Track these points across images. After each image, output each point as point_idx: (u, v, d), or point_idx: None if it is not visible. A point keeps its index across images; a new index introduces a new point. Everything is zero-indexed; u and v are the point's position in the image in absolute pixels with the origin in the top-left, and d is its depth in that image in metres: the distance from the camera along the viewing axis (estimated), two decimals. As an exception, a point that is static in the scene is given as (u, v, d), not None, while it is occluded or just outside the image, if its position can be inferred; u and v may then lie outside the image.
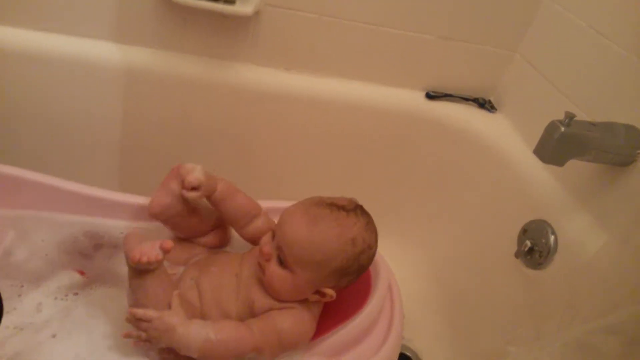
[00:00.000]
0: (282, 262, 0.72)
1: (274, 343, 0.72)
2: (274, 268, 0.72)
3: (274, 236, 0.74)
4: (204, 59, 1.02)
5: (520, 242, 0.95)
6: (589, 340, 0.49)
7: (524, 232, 0.95)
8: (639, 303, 0.52)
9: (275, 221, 0.83)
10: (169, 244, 0.68)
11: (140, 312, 0.67)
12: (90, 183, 0.92)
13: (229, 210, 0.79)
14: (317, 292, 0.74)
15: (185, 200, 0.78)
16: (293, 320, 0.74)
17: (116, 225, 0.93)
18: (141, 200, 0.93)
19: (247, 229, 0.81)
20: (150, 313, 0.67)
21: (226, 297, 0.76)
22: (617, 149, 0.81)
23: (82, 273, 0.83)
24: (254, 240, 0.82)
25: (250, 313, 0.75)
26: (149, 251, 0.68)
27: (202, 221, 0.83)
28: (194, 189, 0.76)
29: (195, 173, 0.75)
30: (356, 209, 0.75)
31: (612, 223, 0.81)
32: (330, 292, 0.75)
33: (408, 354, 1.04)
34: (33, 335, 0.71)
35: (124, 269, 0.86)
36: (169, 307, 0.70)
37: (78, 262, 0.85)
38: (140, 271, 0.70)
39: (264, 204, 0.94)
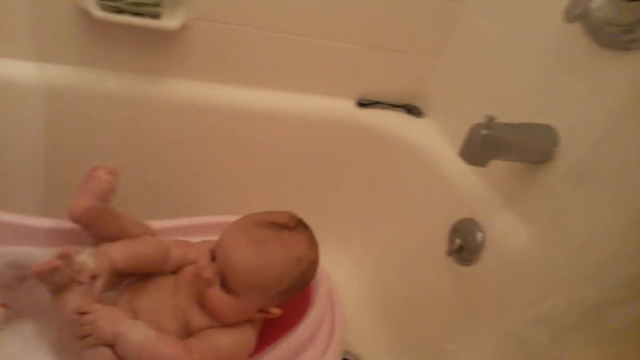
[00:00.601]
0: (225, 287, 0.71)
1: None
2: (217, 294, 0.71)
3: (212, 258, 0.73)
4: (132, 75, 1.00)
5: (451, 240, 0.98)
6: (520, 332, 0.52)
7: (454, 230, 0.99)
8: (563, 295, 0.55)
9: (189, 239, 0.83)
10: (66, 251, 0.68)
11: (84, 305, 0.66)
12: (15, 210, 0.88)
13: (141, 268, 0.77)
14: (261, 310, 0.75)
15: (104, 201, 0.76)
16: (232, 338, 0.73)
17: (43, 253, 0.88)
18: (68, 225, 0.89)
19: (166, 267, 0.80)
20: (94, 306, 0.67)
21: (163, 317, 0.75)
22: (535, 147, 0.86)
23: (5, 306, 0.79)
24: (179, 269, 0.81)
25: (188, 333, 0.74)
26: (47, 262, 0.67)
27: (124, 230, 0.80)
28: (94, 277, 0.71)
29: (86, 262, 0.71)
30: (297, 226, 0.76)
31: (534, 219, 0.86)
32: (275, 310, 0.75)
33: (350, 358, 1.05)
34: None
35: (50, 301, 0.83)
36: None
37: (1, 294, 0.80)
38: (58, 290, 0.68)
39: (200, 220, 0.94)
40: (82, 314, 0.67)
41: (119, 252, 0.75)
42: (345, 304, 0.92)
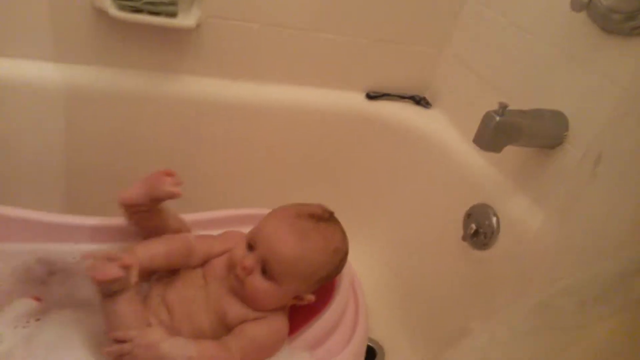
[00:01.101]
0: (266, 275, 0.73)
1: (253, 356, 0.74)
2: (258, 281, 0.73)
3: (250, 247, 0.75)
4: (148, 73, 1.01)
5: (466, 226, 1.01)
6: (547, 302, 0.54)
7: (468, 216, 1.01)
8: (585, 269, 0.57)
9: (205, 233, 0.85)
10: (128, 260, 0.69)
11: (120, 333, 0.67)
12: (37, 208, 0.90)
13: (166, 265, 0.79)
14: (296, 297, 0.78)
15: (155, 203, 0.79)
16: (269, 330, 0.76)
17: (69, 250, 0.90)
18: (92, 221, 0.91)
19: (192, 263, 0.81)
20: (130, 333, 0.67)
21: (196, 310, 0.77)
22: (546, 133, 0.89)
23: (38, 299, 0.81)
24: (205, 262, 0.83)
25: (223, 324, 0.76)
26: (109, 270, 0.67)
27: (165, 224, 0.83)
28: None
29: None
30: (331, 218, 0.80)
31: (547, 201, 0.89)
32: (309, 297, 0.79)
33: (370, 344, 1.08)
34: (-1, 367, 0.69)
35: (81, 292, 0.85)
36: (148, 325, 0.70)
37: (33, 289, 0.82)
38: (109, 294, 0.69)
39: (227, 213, 0.96)
40: (120, 341, 0.68)
41: (144, 252, 0.76)
42: (365, 292, 0.94)
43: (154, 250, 0.77)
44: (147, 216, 0.80)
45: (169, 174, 0.79)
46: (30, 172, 1.01)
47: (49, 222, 0.88)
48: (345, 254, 0.80)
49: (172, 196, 0.78)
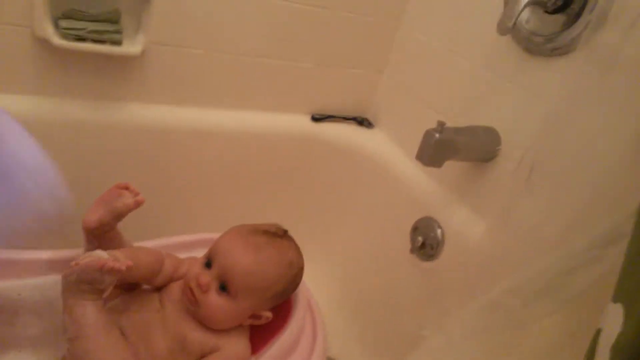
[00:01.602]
0: (222, 291, 0.74)
1: None
2: (214, 298, 0.74)
3: (207, 266, 0.76)
4: (93, 101, 1.00)
5: (413, 239, 1.06)
6: (494, 301, 0.59)
7: (415, 229, 1.06)
8: (527, 267, 0.62)
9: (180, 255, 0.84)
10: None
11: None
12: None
13: (139, 273, 0.77)
14: (253, 315, 0.78)
15: (117, 219, 0.78)
16: (230, 351, 0.76)
17: (11, 287, 0.87)
18: (36, 255, 0.88)
19: (157, 280, 0.81)
20: None
21: (153, 335, 0.76)
22: (481, 148, 0.95)
23: None
24: (167, 284, 0.82)
25: (182, 348, 0.75)
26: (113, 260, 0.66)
27: (124, 246, 0.82)
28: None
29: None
30: (285, 235, 0.82)
31: (486, 210, 0.95)
32: (267, 314, 0.80)
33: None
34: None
35: (28, 331, 0.81)
36: None
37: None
38: (74, 292, 0.67)
39: (179, 239, 0.95)
40: None
41: (126, 252, 0.74)
42: (320, 309, 0.96)
43: (133, 255, 0.74)
44: (109, 238, 0.79)
45: (125, 187, 0.79)
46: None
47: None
48: (301, 269, 0.82)
49: (135, 206, 0.78)
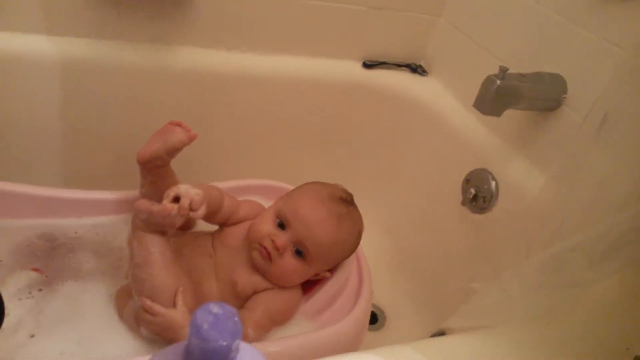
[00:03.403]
0: (298, 255, 0.75)
1: (269, 326, 0.76)
2: (289, 261, 0.75)
3: (279, 226, 0.76)
4: (143, 44, 0.99)
5: (465, 191, 1.02)
6: (557, 257, 0.56)
7: (467, 181, 1.03)
8: (593, 225, 0.59)
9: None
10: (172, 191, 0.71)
11: (148, 303, 0.69)
12: (36, 183, 0.89)
13: (209, 209, 0.78)
14: (316, 274, 0.80)
15: (171, 154, 0.80)
16: (283, 299, 0.78)
17: (70, 224, 0.90)
18: (94, 195, 0.91)
19: (217, 217, 0.82)
20: (157, 308, 0.69)
21: (205, 278, 0.77)
22: (546, 95, 0.89)
23: (37, 270, 0.81)
24: (224, 223, 0.84)
25: (233, 293, 0.77)
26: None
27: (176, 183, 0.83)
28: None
29: (193, 194, 0.73)
30: (353, 200, 0.82)
31: (548, 164, 0.90)
32: (326, 273, 0.82)
33: (372, 309, 1.09)
34: (9, 340, 0.69)
35: (84, 266, 0.85)
36: (174, 301, 0.71)
37: (34, 263, 0.82)
38: (145, 228, 0.71)
39: (233, 183, 0.96)
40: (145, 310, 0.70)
41: (198, 189, 0.75)
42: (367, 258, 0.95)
43: (206, 188, 0.77)
44: (163, 173, 0.81)
45: (178, 124, 0.80)
46: (27, 147, 0.99)
47: (50, 197, 0.88)
48: (362, 233, 0.83)
49: (187, 140, 0.79)
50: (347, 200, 0.80)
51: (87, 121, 1.01)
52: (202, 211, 0.72)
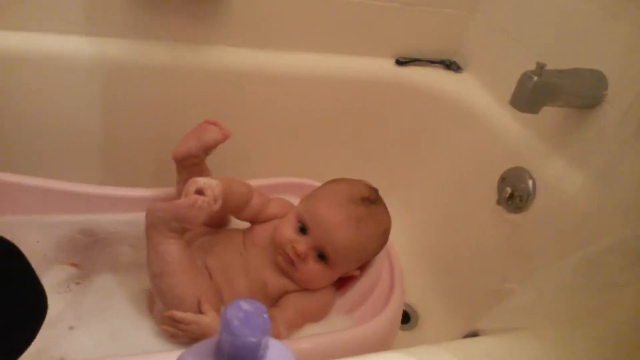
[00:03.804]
0: (320, 259, 0.75)
1: (300, 325, 0.76)
2: (312, 266, 0.75)
3: (301, 230, 0.76)
4: (178, 44, 1.01)
5: (500, 190, 1.00)
6: (593, 259, 0.54)
7: (503, 180, 1.01)
8: (632, 227, 0.57)
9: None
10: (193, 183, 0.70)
11: (179, 315, 0.69)
12: (76, 180, 0.92)
13: (231, 202, 0.79)
14: (344, 273, 0.80)
15: (206, 152, 0.82)
16: (316, 301, 0.78)
17: (109, 220, 0.93)
18: (132, 192, 0.94)
19: (245, 212, 0.83)
20: (188, 317, 0.69)
21: (236, 275, 0.78)
22: (585, 92, 0.87)
23: (75, 265, 0.84)
24: (253, 219, 0.85)
25: (263, 292, 0.78)
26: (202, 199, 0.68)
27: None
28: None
29: (215, 187, 0.72)
30: (378, 197, 0.81)
31: (586, 163, 0.87)
32: (355, 272, 0.82)
33: (404, 308, 1.09)
34: (50, 331, 0.72)
35: (121, 259, 0.87)
36: (199, 306, 0.71)
37: (73, 258, 0.85)
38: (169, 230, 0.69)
39: (264, 181, 0.97)
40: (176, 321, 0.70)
41: (222, 181, 0.75)
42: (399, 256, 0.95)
43: (228, 182, 0.76)
44: (198, 170, 0.83)
45: (213, 122, 0.82)
46: (67, 146, 1.03)
47: (91, 194, 0.91)
48: (390, 230, 0.82)
49: (222, 138, 0.81)
50: (370, 199, 0.78)
51: (124, 120, 1.03)
52: (218, 204, 0.71)
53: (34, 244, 0.86)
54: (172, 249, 0.69)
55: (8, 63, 0.92)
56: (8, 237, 0.85)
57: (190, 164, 0.83)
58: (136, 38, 1.00)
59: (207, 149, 0.82)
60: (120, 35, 0.98)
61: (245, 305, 0.33)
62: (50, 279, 0.80)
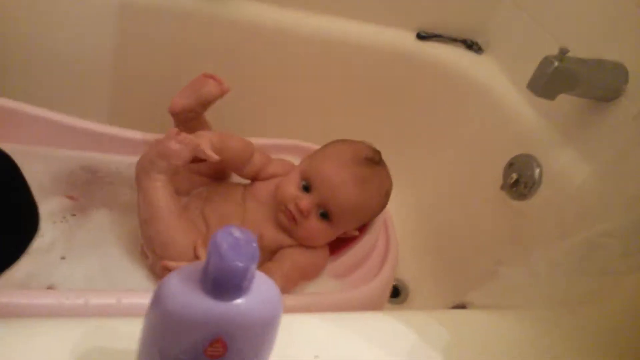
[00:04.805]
0: (323, 217, 0.75)
1: (296, 280, 0.76)
2: (314, 223, 0.75)
3: (304, 188, 0.76)
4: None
5: (506, 175, 0.99)
6: (591, 241, 0.54)
7: (510, 165, 0.99)
8: (632, 214, 0.56)
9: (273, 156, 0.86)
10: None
11: (172, 264, 0.69)
12: (83, 116, 0.91)
13: (227, 157, 0.78)
14: (343, 233, 0.80)
15: (203, 106, 0.81)
16: (311, 257, 0.78)
17: (112, 160, 0.93)
18: (138, 135, 0.94)
19: (246, 169, 0.83)
20: (182, 265, 0.69)
21: (232, 224, 0.78)
22: (605, 84, 0.85)
23: (72, 198, 0.84)
24: (254, 177, 0.84)
25: (259, 245, 0.77)
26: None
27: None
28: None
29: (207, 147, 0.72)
30: (381, 159, 0.81)
31: (596, 155, 0.86)
32: (354, 232, 0.82)
33: (395, 283, 1.09)
34: (42, 258, 0.73)
35: (120, 198, 0.87)
36: (194, 251, 0.71)
37: (70, 190, 0.85)
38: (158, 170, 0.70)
39: (269, 141, 0.97)
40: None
41: (216, 136, 0.76)
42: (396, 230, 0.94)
43: (223, 137, 0.77)
44: (196, 125, 0.82)
45: (211, 76, 0.81)
46: (78, 81, 1.03)
47: (96, 132, 0.91)
48: (390, 192, 0.82)
49: (219, 93, 0.80)
50: (373, 160, 0.79)
51: (136, 61, 1.03)
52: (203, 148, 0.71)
53: (33, 173, 0.85)
54: (159, 193, 0.70)
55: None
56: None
57: (188, 118, 0.82)
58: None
59: (205, 104, 0.81)
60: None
61: (236, 232, 0.33)
62: (46, 207, 0.79)
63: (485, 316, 0.56)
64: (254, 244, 0.32)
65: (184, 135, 0.69)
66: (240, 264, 0.31)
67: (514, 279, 0.59)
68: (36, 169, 0.86)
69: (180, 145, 0.69)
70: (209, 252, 0.32)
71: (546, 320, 0.55)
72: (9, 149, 0.87)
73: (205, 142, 0.72)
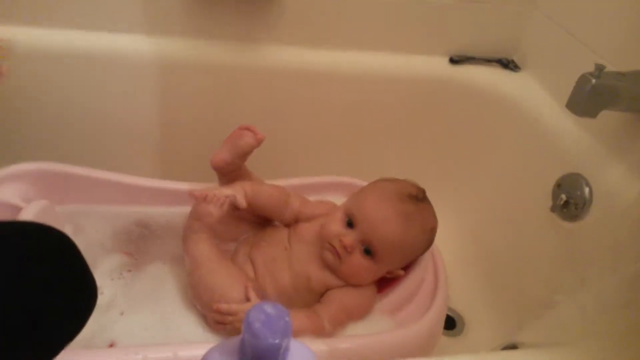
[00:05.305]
0: (366, 254, 0.76)
1: (344, 321, 0.77)
2: (358, 260, 0.76)
3: (348, 224, 0.77)
4: (232, 42, 1.04)
5: (555, 196, 0.96)
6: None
7: (558, 186, 0.97)
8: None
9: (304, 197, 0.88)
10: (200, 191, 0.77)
11: (224, 307, 0.72)
12: (132, 174, 0.97)
13: (263, 203, 0.83)
14: (388, 271, 0.80)
15: (242, 158, 0.85)
16: (359, 297, 0.79)
17: (163, 213, 0.98)
18: (185, 186, 0.97)
19: (285, 215, 0.85)
20: (234, 307, 0.73)
21: (279, 268, 0.80)
22: (649, 96, 0.82)
23: (128, 254, 0.89)
24: (295, 220, 0.86)
25: (306, 286, 0.79)
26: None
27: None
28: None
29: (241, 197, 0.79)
30: (425, 196, 0.81)
31: (647, 170, 0.83)
32: (400, 272, 0.82)
33: (450, 314, 1.07)
34: (102, 316, 0.77)
35: (172, 250, 0.91)
36: (246, 297, 0.74)
37: (127, 247, 0.90)
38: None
39: (313, 180, 0.99)
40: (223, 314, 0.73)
41: (249, 185, 0.82)
42: (445, 260, 0.93)
43: (256, 187, 0.83)
44: (238, 176, 0.86)
45: (247, 127, 0.84)
46: (126, 140, 1.08)
47: (147, 187, 0.96)
48: (436, 229, 0.82)
49: (256, 143, 0.83)
50: (417, 197, 0.79)
51: (179, 116, 1.08)
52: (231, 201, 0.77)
53: (94, 232, 0.92)
54: (200, 246, 0.77)
55: (73, 61, 0.98)
56: (72, 224, 0.92)
57: (229, 171, 0.86)
58: (192, 37, 1.03)
59: (242, 155, 0.85)
60: (176, 33, 1.02)
61: (268, 308, 0.34)
62: (105, 266, 0.85)
63: (534, 356, 0.55)
64: (287, 318, 0.34)
65: (211, 194, 0.76)
66: (274, 341, 0.32)
67: (562, 315, 0.58)
68: (96, 229, 0.92)
69: (209, 205, 0.75)
70: (243, 329, 0.33)
71: (595, 357, 0.53)
72: (71, 210, 0.95)
73: (239, 192, 0.78)
